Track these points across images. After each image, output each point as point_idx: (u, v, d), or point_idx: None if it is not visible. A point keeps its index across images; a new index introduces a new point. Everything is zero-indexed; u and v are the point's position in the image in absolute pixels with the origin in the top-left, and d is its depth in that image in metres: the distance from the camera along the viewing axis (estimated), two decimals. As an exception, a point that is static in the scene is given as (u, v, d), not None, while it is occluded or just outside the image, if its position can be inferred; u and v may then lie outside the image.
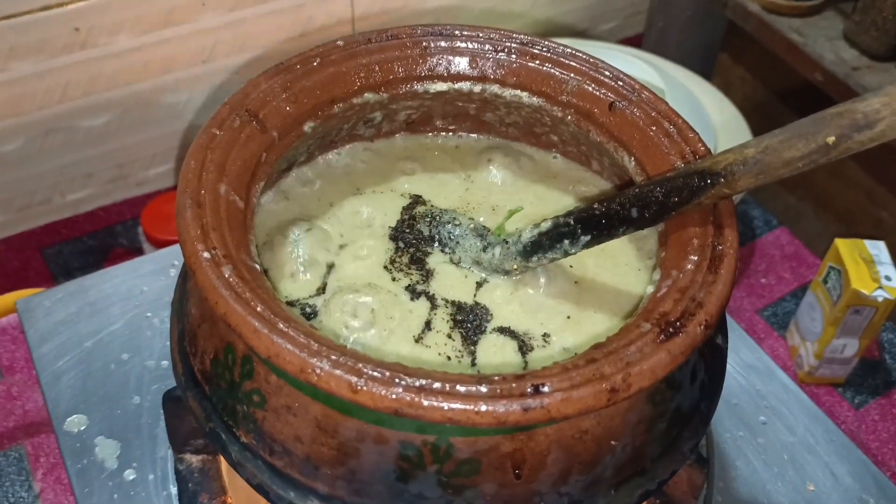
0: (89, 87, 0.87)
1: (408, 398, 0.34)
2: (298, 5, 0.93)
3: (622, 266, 0.48)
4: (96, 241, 1.02)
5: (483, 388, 0.34)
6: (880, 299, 0.83)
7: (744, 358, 0.64)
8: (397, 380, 0.34)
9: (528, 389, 0.34)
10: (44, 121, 0.87)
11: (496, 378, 0.35)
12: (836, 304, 0.87)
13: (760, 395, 0.62)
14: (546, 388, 0.34)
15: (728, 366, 0.51)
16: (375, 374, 0.34)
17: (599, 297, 0.46)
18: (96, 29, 0.84)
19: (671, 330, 0.37)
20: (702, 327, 0.37)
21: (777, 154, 0.36)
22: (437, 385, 0.34)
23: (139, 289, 0.66)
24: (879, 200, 1.11)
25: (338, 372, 0.34)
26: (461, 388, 0.34)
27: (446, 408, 0.34)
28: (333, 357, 0.35)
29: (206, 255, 0.38)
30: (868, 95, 0.34)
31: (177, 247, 0.50)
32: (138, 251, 1.02)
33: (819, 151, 0.35)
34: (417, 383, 0.34)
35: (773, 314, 1.02)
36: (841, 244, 0.88)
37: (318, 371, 0.34)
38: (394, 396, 0.34)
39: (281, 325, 0.36)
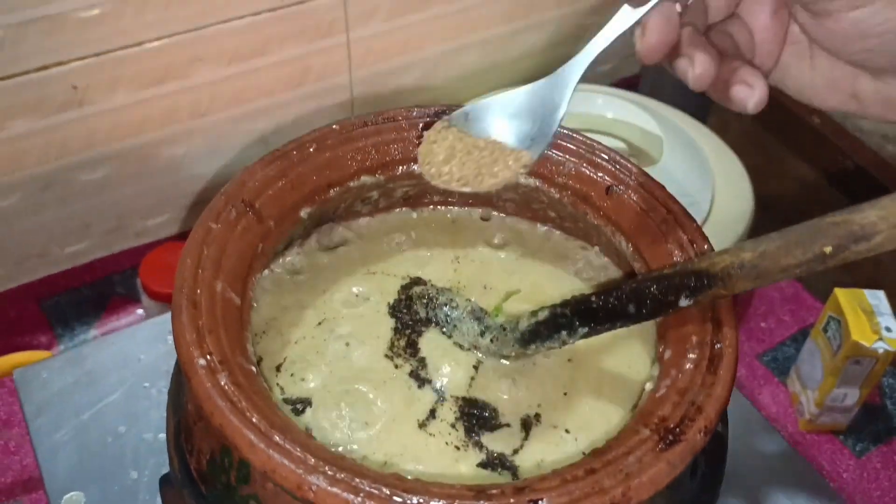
0: (87, 142, 0.87)
1: (405, 516, 0.33)
2: (296, 57, 0.93)
3: (619, 349, 0.48)
4: (94, 291, 1.01)
5: (481, 504, 0.34)
6: (880, 351, 0.83)
7: (740, 419, 0.63)
8: (396, 497, 0.34)
9: (527, 504, 0.34)
10: (42, 176, 0.87)
11: (494, 492, 0.34)
12: (836, 354, 0.87)
13: (759, 459, 0.62)
14: (544, 503, 0.34)
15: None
16: (373, 490, 0.34)
17: (595, 378, 0.46)
18: (94, 86, 0.84)
19: (671, 438, 0.36)
20: (701, 434, 0.37)
21: (774, 260, 0.36)
22: (434, 502, 0.34)
23: (136, 357, 0.65)
24: (878, 241, 1.11)
25: (334, 489, 0.34)
26: (459, 505, 0.34)
27: (444, 525, 0.33)
28: (330, 472, 0.34)
29: (201, 361, 0.38)
30: (864, 206, 0.34)
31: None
32: (136, 300, 1.02)
33: (816, 260, 0.35)
34: (415, 500, 0.34)
35: (774, 359, 1.01)
36: (840, 294, 0.87)
37: (314, 488, 0.34)
38: (391, 514, 0.33)
39: (277, 438, 0.35)
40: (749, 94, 0.39)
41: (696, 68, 0.38)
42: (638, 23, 0.38)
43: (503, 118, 0.40)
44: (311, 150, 0.48)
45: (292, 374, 0.45)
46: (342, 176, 0.49)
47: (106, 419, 0.62)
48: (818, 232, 0.35)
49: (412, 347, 0.47)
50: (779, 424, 0.93)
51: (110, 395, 0.63)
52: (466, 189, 0.40)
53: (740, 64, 0.39)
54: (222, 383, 0.37)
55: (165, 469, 0.57)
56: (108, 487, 0.58)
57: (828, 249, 0.35)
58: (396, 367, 0.46)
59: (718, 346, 0.40)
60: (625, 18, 0.38)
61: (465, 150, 0.41)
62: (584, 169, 0.49)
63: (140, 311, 1.01)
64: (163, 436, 0.60)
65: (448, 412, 0.44)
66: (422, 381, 0.45)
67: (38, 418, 0.62)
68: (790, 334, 1.04)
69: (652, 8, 0.37)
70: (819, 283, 1.12)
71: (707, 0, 0.41)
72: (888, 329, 0.84)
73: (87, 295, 1.02)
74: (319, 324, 0.48)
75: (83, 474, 0.58)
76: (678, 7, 0.38)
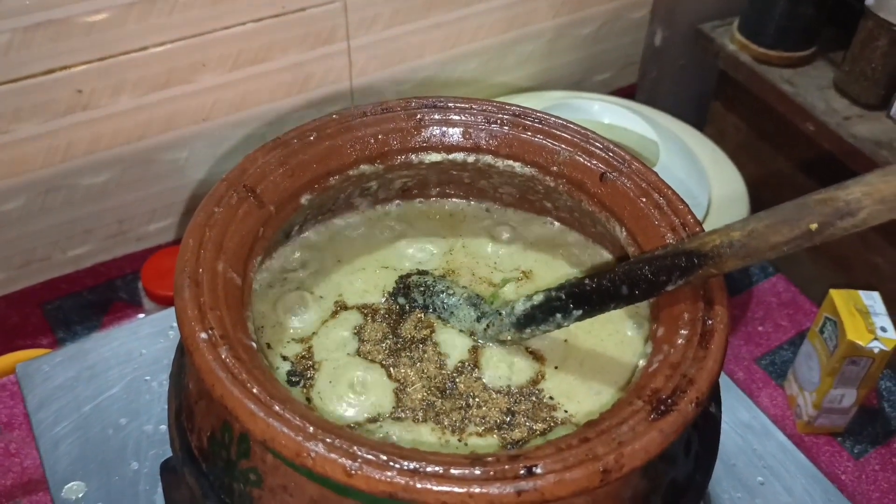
0: (91, 146, 0.89)
1: (402, 482, 0.34)
2: (297, 63, 0.95)
3: (612, 328, 0.49)
4: (96, 295, 1.02)
5: (477, 471, 0.35)
6: (876, 350, 0.84)
7: (740, 417, 0.64)
8: (392, 463, 0.34)
9: (522, 471, 0.35)
10: (45, 179, 0.89)
11: (489, 459, 0.35)
12: (832, 355, 0.88)
13: (758, 455, 0.62)
14: (539, 470, 0.35)
15: (724, 425, 0.51)
16: (370, 457, 0.35)
17: (587, 357, 0.47)
18: (98, 90, 0.85)
19: (663, 408, 0.37)
20: (693, 405, 0.37)
21: (763, 238, 0.36)
22: (430, 468, 0.34)
23: (138, 352, 0.66)
24: (874, 246, 1.12)
25: (332, 455, 0.34)
26: (455, 472, 0.34)
27: (440, 491, 0.34)
28: (328, 440, 0.35)
29: (203, 335, 0.38)
30: (849, 183, 0.35)
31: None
32: (138, 305, 1.03)
33: (803, 237, 0.35)
34: (412, 466, 0.34)
35: (771, 363, 1.02)
36: (836, 295, 0.88)
37: (312, 454, 0.35)
38: (388, 480, 0.34)
39: (277, 408, 0.36)
40: None
41: None
42: None
43: None
44: (312, 138, 0.49)
45: (296, 355, 0.46)
46: (342, 164, 0.50)
47: (107, 412, 0.62)
48: (805, 209, 0.36)
49: (415, 329, 0.48)
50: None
51: (111, 388, 0.64)
52: None
53: None
54: (223, 356, 0.38)
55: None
56: (109, 478, 0.58)
57: (814, 226, 0.35)
58: (395, 350, 0.47)
59: (710, 322, 0.41)
60: None
61: None
62: (578, 157, 0.50)
63: (142, 316, 1.02)
64: (163, 427, 0.61)
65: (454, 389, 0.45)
66: (418, 362, 0.46)
67: (40, 411, 0.62)
68: (788, 338, 1.05)
69: None
70: (816, 288, 1.13)
71: None
72: (883, 329, 0.85)
73: (89, 299, 1.03)
74: (321, 308, 0.49)
75: (84, 465, 0.59)
76: None
